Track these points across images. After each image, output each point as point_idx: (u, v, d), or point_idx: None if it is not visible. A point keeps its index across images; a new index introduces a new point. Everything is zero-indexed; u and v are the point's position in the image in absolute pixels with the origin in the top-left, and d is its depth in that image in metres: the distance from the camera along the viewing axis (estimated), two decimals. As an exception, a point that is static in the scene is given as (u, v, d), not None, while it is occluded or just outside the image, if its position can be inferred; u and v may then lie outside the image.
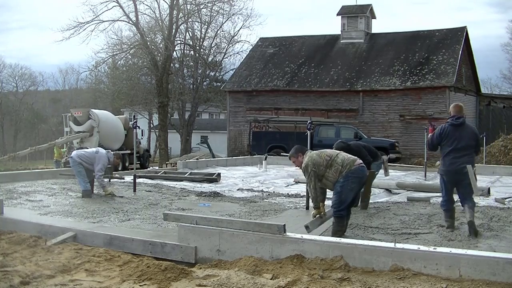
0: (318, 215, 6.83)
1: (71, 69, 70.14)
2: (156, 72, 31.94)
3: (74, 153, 10.82)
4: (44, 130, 57.07)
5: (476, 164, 7.61)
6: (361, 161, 6.99)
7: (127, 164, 25.47)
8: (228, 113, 33.16)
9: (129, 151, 25.64)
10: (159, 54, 32.73)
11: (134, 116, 41.24)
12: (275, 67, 32.47)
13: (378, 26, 74.57)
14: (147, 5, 39.98)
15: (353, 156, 7.03)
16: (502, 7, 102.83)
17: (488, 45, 73.83)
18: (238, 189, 11.91)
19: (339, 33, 33.25)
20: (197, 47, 39.84)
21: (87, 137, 24.03)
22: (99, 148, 11.14)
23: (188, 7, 32.76)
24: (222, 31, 40.48)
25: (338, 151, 7.16)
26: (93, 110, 25.32)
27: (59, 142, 24.92)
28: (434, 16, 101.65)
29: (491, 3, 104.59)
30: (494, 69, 66.34)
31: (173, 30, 32.15)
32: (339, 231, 6.77)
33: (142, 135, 31.27)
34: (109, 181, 12.63)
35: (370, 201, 10.45)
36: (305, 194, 9.39)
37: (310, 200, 7.75)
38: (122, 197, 10.49)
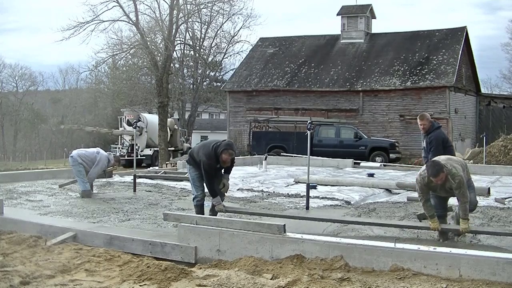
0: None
1: (71, 69, 70.04)
2: (156, 72, 31.86)
3: (74, 152, 10.68)
4: (44, 130, 57.01)
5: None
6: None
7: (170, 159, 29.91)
8: (228, 113, 33.18)
9: (173, 148, 30.93)
10: (159, 54, 32.63)
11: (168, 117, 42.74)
12: (275, 67, 32.46)
13: (378, 26, 74.55)
14: (147, 5, 39.69)
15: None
16: (489, 8, 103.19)
17: (476, 45, 74.37)
18: (238, 189, 11.88)
19: (339, 33, 33.25)
20: (197, 47, 39.81)
21: (138, 136, 27.27)
22: (100, 149, 11.12)
23: (188, 7, 32.64)
24: (222, 31, 40.51)
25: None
26: (143, 113, 31.44)
27: (115, 132, 30.43)
28: (423, 18, 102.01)
29: (478, 4, 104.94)
30: (485, 69, 66.70)
31: (173, 30, 32.05)
32: None
33: (185, 135, 35.01)
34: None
35: (370, 201, 10.50)
36: (305, 194, 9.38)
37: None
38: (98, 193, 10.81)
